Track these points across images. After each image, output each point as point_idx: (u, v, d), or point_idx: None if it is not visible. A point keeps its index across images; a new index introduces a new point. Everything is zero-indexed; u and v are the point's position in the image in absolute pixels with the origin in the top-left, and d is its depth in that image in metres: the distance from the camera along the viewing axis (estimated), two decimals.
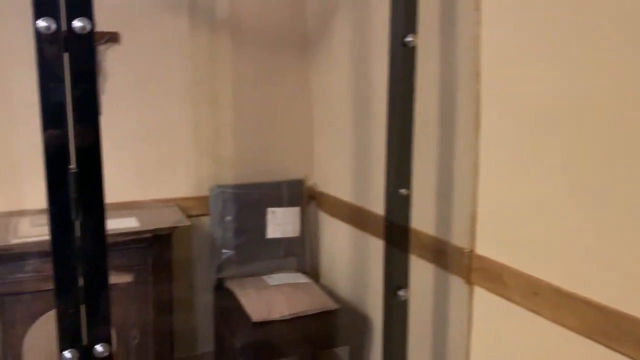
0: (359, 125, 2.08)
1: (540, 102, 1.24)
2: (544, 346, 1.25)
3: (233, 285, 2.11)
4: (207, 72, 2.20)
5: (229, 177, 2.25)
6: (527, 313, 1.28)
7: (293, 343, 1.89)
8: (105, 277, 1.10)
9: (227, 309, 2.01)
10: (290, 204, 2.28)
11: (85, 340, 1.06)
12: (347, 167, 2.18)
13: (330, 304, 1.97)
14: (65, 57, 0.92)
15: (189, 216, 2.11)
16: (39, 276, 1.74)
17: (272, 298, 1.94)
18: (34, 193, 1.97)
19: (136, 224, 1.90)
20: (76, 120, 0.97)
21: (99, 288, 1.08)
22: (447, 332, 1.60)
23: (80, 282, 1.08)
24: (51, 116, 0.95)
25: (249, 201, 2.20)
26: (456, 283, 1.53)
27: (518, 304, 1.31)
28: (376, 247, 1.97)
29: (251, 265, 2.22)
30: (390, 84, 1.33)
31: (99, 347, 1.07)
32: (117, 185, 2.05)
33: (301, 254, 2.32)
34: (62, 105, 0.96)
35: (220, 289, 2.14)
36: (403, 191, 1.35)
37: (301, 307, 1.92)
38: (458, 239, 1.52)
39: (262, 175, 2.31)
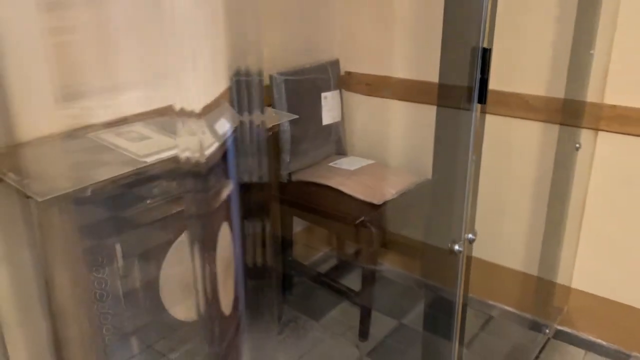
0: None
1: None
2: None
3: (307, 177, 2.00)
4: None
5: (266, 64, 2.01)
6: None
7: (410, 218, 1.95)
8: None
9: (329, 199, 1.92)
10: (335, 87, 2.17)
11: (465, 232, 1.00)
12: (386, 38, 2.13)
13: (423, 177, 2.05)
14: None
15: None
16: (167, 198, 1.43)
17: (371, 182, 1.92)
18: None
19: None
20: None
21: None
22: None
23: None
24: None
25: (307, 88, 2.03)
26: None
27: None
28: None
29: (313, 154, 2.11)
30: None
31: (470, 236, 1.02)
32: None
33: (342, 137, 2.27)
34: None
35: (294, 182, 2.02)
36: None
37: (401, 186, 1.95)
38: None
39: (294, 58, 2.11)
